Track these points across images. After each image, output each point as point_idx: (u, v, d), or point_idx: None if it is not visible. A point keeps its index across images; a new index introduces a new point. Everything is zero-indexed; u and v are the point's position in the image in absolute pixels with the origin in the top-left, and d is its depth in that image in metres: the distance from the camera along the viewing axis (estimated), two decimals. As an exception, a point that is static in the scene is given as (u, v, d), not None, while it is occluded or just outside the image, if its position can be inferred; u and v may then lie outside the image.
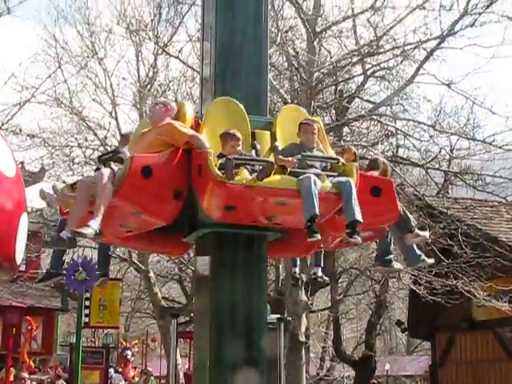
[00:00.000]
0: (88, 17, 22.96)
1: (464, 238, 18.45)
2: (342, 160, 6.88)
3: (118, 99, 22.70)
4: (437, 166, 20.25)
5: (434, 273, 18.73)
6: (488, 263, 18.65)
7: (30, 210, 18.83)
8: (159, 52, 22.10)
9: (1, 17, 21.02)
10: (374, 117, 19.96)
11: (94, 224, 6.20)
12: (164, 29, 22.27)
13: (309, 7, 19.93)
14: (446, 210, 19.66)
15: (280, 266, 21.50)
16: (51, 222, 21.93)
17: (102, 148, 21.07)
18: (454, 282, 18.45)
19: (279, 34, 18.66)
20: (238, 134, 6.69)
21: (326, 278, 9.35)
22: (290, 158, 6.62)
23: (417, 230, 7.52)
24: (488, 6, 18.40)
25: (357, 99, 22.83)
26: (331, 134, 18.76)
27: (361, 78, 21.54)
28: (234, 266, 6.89)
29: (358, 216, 6.41)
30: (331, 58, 20.49)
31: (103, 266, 8.10)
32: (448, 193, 22.82)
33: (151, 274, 22.10)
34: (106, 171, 6.41)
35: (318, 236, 6.30)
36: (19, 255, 7.64)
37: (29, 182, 19.75)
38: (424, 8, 19.02)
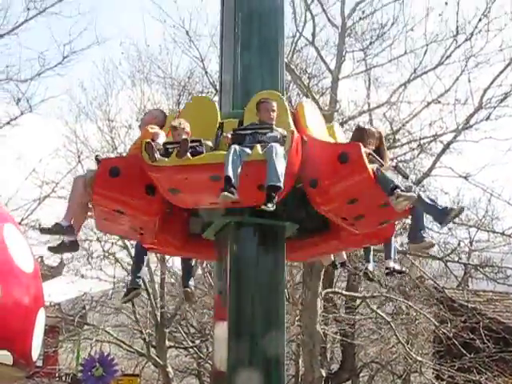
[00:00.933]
0: (108, 113, 23.43)
1: (486, 332, 18.19)
2: (276, 128, 6.87)
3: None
4: (456, 258, 20.13)
5: (456, 367, 18.41)
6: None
7: (47, 303, 18.82)
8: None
9: (23, 115, 21.33)
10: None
11: (63, 221, 7.00)
12: (183, 123, 22.54)
13: (325, 102, 20.23)
14: (466, 303, 19.44)
15: (300, 361, 21.20)
16: (69, 316, 21.90)
17: (120, 242, 21.14)
18: (478, 377, 18.11)
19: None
20: (176, 124, 7.06)
21: (374, 274, 9.03)
22: (227, 134, 6.90)
23: (399, 191, 6.72)
24: (502, 100, 18.65)
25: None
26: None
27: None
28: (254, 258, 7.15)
29: (275, 181, 6.37)
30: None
31: (135, 275, 8.24)
32: (468, 285, 22.59)
33: (169, 369, 21.81)
34: (78, 177, 7.35)
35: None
36: (36, 351, 7.58)
37: (47, 276, 19.80)
38: (439, 102, 19.28)
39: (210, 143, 6.98)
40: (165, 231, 7.48)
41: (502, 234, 19.22)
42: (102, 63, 23.48)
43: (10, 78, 20.39)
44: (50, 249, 7.65)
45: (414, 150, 19.95)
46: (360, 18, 19.50)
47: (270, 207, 6.35)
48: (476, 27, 18.75)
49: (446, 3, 18.91)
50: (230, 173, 6.35)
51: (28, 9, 19.86)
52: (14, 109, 20.81)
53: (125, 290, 8.80)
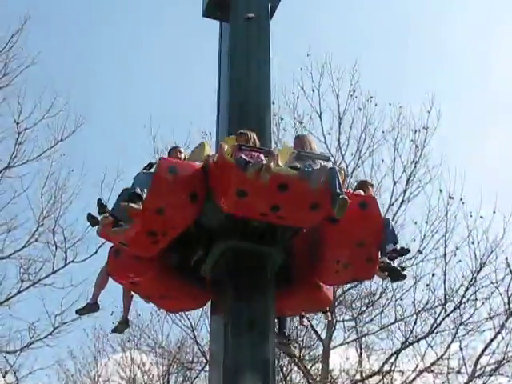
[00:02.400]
0: (97, 381, 23.06)
1: None
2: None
3: None
4: None
5: None
6: None
7: None
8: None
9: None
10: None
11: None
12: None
13: (317, 370, 19.97)
14: None
15: None
16: None
17: None
18: None
19: None
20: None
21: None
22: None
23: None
24: (496, 369, 18.55)
25: None
26: None
27: None
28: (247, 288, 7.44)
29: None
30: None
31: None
32: None
33: None
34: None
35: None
36: None
37: None
38: (432, 371, 19.16)
39: None
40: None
41: None
42: (93, 330, 23.41)
43: (-1, 349, 20.23)
44: (77, 312, 8.76)
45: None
46: (349, 288, 19.79)
47: None
48: (464, 296, 19.08)
49: (434, 274, 19.33)
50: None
51: (22, 280, 20.12)
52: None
53: None
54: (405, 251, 7.74)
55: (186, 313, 21.01)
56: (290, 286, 7.97)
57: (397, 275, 7.74)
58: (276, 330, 8.09)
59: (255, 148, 7.49)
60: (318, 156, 7.65)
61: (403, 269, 7.75)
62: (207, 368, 19.77)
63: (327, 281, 8.17)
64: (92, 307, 8.48)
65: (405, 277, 7.80)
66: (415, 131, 20.84)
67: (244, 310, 7.30)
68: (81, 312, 8.67)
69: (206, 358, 19.92)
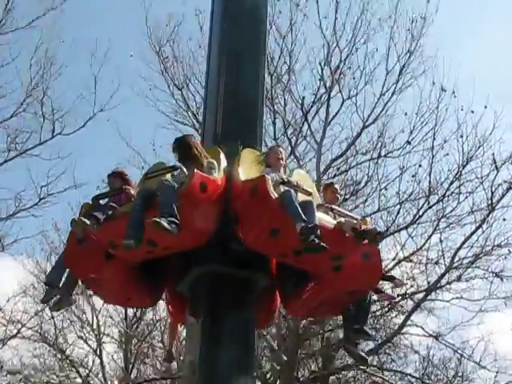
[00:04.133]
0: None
1: None
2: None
3: (104, 337, 22.55)
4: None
5: None
6: None
7: None
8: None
9: (-5, 253, 21.24)
10: (361, 367, 19.70)
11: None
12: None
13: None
14: None
15: None
16: None
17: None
18: None
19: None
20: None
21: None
22: None
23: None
24: (473, 262, 18.84)
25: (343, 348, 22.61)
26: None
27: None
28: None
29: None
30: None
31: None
32: None
33: None
34: None
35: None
36: None
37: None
38: (411, 261, 19.45)
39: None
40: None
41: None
42: (78, 205, 23.33)
43: (-16, 218, 20.38)
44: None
45: (384, 307, 19.90)
46: (335, 175, 19.89)
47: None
48: (448, 189, 19.23)
49: (420, 165, 19.42)
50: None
51: (9, 150, 20.11)
52: (-15, 247, 20.68)
53: None
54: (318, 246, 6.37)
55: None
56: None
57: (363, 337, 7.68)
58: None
59: (299, 185, 6.80)
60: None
61: (380, 234, 7.05)
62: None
63: (293, 312, 8.07)
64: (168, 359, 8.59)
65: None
66: (412, 21, 20.51)
67: (222, 328, 6.81)
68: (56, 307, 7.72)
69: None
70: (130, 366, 22.36)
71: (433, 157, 19.42)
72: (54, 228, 23.45)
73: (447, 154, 19.56)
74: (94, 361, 22.87)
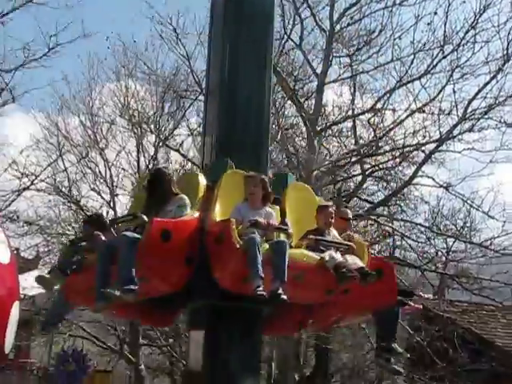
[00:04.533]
0: (91, 107, 23.28)
1: (460, 342, 18.22)
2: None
3: (118, 190, 22.77)
4: (433, 267, 20.17)
5: (428, 376, 18.42)
6: (484, 368, 18.33)
7: (22, 297, 18.63)
8: (160, 145, 22.32)
9: (6, 105, 21.15)
10: (372, 217, 20.00)
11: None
12: (166, 122, 22.60)
13: (310, 106, 20.23)
14: (441, 313, 19.47)
15: (273, 364, 21.15)
16: (43, 310, 21.71)
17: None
18: (450, 387, 18.14)
19: (280, 131, 18.89)
20: None
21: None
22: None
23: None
24: (486, 112, 18.73)
25: (355, 198, 22.93)
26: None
27: (359, 178, 21.68)
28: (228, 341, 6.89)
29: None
30: (331, 156, 20.68)
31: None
32: (444, 295, 22.63)
33: (142, 367, 21.69)
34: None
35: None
36: (9, 344, 7.49)
37: (23, 268, 19.63)
38: (423, 111, 19.35)
39: None
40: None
41: (480, 245, 19.29)
42: (87, 57, 23.15)
43: (-6, 67, 20.17)
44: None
45: (396, 158, 20.00)
46: (348, 24, 19.53)
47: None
48: (463, 38, 18.88)
49: (436, 13, 18.99)
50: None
51: (15, -4, 19.60)
52: (-4, 98, 20.60)
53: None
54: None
55: (183, 42, 20.86)
56: None
57: None
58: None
59: (272, 226, 6.61)
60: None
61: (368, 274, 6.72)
62: (201, 98, 19.98)
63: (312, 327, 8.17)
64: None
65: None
66: None
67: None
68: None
69: (200, 88, 19.99)
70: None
71: (449, 4, 19.01)
72: (64, 80, 23.24)
73: (464, 2, 19.16)
74: (108, 212, 23.16)
